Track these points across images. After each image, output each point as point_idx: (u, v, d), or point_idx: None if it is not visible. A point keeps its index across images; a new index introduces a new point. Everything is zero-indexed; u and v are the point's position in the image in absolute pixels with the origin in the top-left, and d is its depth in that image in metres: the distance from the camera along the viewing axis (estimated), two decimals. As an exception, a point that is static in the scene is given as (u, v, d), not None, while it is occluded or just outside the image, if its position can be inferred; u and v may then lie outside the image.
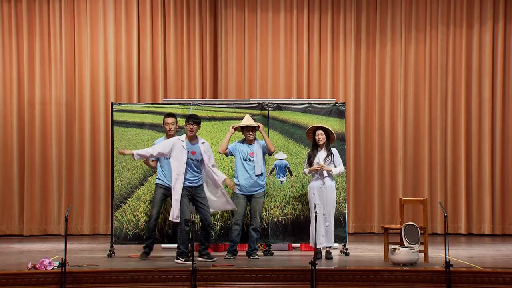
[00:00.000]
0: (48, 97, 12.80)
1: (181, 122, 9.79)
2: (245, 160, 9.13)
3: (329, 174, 9.04)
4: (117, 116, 9.69)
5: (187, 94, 12.92)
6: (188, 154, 8.67)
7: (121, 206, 9.52)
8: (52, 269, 7.68)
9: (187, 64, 13.00)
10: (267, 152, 9.23)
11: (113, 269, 7.95)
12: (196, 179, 8.74)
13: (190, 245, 9.30)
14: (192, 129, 8.72)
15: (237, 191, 9.13)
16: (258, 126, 9.17)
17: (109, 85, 12.86)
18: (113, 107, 9.78)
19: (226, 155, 9.26)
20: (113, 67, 12.84)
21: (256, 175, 9.13)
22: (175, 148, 8.67)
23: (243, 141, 9.23)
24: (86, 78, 12.82)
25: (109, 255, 9.27)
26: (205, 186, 8.88)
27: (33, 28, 12.83)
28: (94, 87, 12.85)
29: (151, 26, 12.97)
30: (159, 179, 9.14)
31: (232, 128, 9.13)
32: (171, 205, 8.69)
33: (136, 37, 12.89)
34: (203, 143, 8.80)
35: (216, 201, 8.92)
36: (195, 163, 8.73)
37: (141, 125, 9.78)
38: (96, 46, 12.87)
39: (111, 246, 9.38)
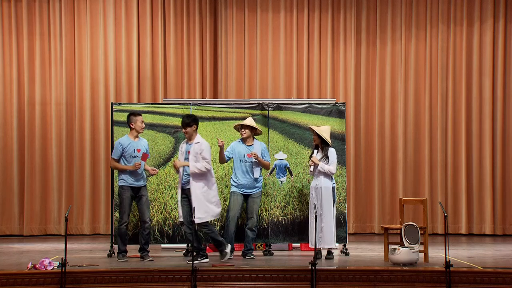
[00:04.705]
0: (48, 97, 12.79)
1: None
2: (242, 161, 9.12)
3: (326, 174, 8.99)
4: (117, 116, 9.67)
5: (187, 94, 12.91)
6: (185, 154, 8.71)
7: (121, 206, 9.49)
8: (52, 269, 7.68)
9: (187, 64, 13.00)
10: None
11: (113, 269, 7.96)
12: (188, 180, 8.67)
13: (189, 245, 9.30)
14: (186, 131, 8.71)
15: (235, 189, 9.14)
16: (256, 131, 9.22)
17: (109, 85, 12.85)
18: (113, 107, 9.77)
19: (226, 161, 9.22)
20: (113, 67, 12.84)
21: (255, 178, 9.14)
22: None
23: (240, 141, 9.22)
24: (86, 78, 12.82)
25: (109, 255, 9.27)
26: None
27: (33, 28, 12.82)
28: (94, 87, 12.85)
29: (151, 26, 12.96)
30: (124, 180, 8.84)
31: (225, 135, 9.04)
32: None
33: (136, 37, 12.88)
34: (196, 143, 8.66)
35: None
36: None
37: (141, 125, 9.76)
38: (96, 46, 12.87)
39: (111, 246, 9.38)
